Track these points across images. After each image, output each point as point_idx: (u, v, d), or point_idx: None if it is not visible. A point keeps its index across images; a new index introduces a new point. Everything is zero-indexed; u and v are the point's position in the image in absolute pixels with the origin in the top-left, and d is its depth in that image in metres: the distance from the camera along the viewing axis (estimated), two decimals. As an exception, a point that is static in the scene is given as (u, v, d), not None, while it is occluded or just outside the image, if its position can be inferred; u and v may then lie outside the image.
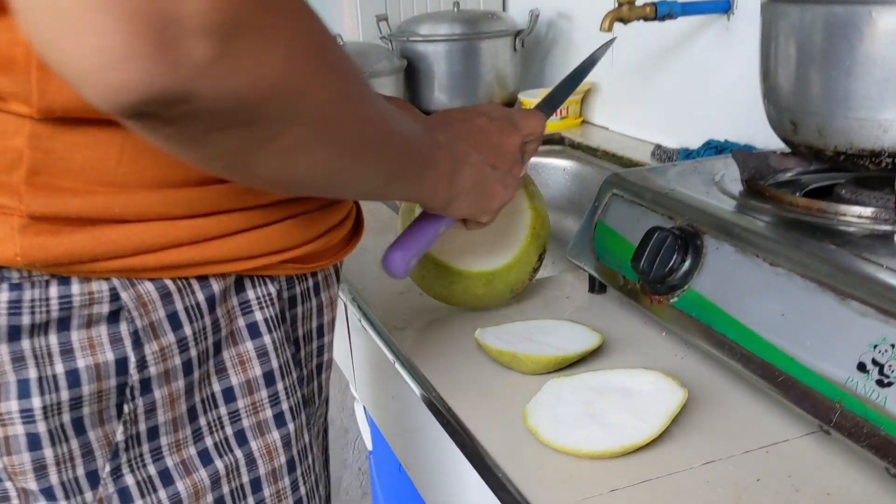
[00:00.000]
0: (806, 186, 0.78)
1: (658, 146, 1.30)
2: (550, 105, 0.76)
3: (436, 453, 0.67)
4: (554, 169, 1.43)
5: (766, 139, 0.96)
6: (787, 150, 0.79)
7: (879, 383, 0.52)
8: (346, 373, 0.95)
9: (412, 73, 1.58)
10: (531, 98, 1.53)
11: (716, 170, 0.83)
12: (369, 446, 1.47)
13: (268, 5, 0.35)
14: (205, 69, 0.33)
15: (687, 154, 1.22)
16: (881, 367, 0.52)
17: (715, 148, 1.17)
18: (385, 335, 0.77)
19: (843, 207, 0.67)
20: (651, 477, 0.55)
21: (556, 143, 1.47)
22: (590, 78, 0.89)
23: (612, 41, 0.84)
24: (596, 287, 0.84)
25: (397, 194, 0.57)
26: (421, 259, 0.78)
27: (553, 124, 1.51)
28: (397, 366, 0.72)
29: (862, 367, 0.53)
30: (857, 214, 0.66)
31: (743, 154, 0.77)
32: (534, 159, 1.42)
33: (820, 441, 0.58)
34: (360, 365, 0.88)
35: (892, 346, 0.52)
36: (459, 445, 0.61)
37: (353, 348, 0.89)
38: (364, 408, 1.08)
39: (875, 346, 0.53)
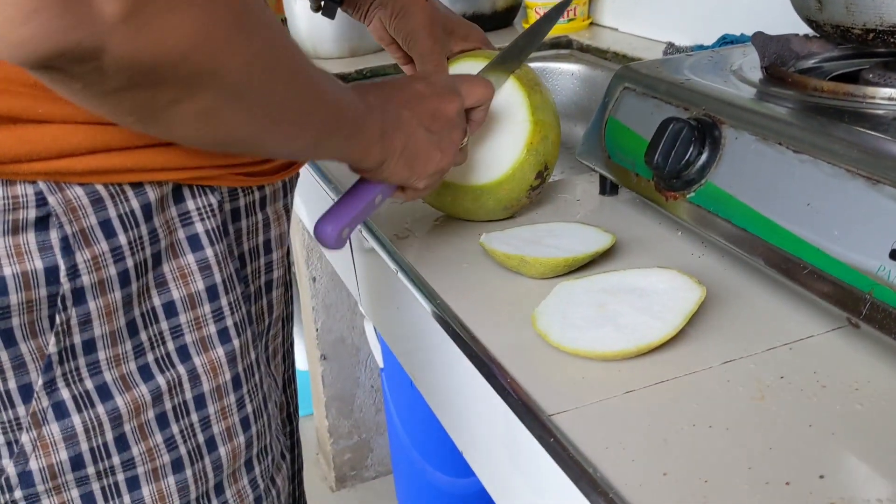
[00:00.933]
0: (829, 73, 0.73)
1: (670, 44, 1.24)
2: (501, 68, 0.72)
3: (443, 364, 0.64)
4: (562, 74, 1.37)
5: (786, 31, 0.91)
6: (811, 33, 0.74)
7: (914, 271, 0.48)
8: (352, 289, 0.92)
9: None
10: (540, -1, 1.45)
11: (733, 59, 0.78)
12: (380, 364, 1.46)
13: None
14: (114, 26, 0.33)
15: (701, 50, 1.16)
16: (916, 253, 0.48)
17: (731, 43, 1.11)
18: (387, 244, 0.74)
19: (873, 90, 0.62)
20: (668, 377, 0.52)
21: (564, 46, 1.41)
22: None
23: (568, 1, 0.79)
24: (608, 188, 0.80)
25: (328, 155, 0.55)
26: None
27: (560, 27, 1.44)
28: (400, 275, 0.69)
29: (894, 254, 0.49)
30: (888, 97, 0.61)
31: (763, 38, 0.72)
32: (541, 64, 1.37)
33: (847, 336, 0.55)
34: (363, 279, 0.85)
35: (929, 230, 0.48)
36: (466, 353, 0.58)
37: (356, 262, 0.86)
38: (374, 326, 1.06)
39: (909, 232, 0.49)
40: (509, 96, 0.72)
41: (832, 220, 0.54)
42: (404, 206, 0.80)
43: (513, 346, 0.57)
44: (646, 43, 1.33)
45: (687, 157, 0.64)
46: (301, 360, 1.71)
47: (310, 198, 1.00)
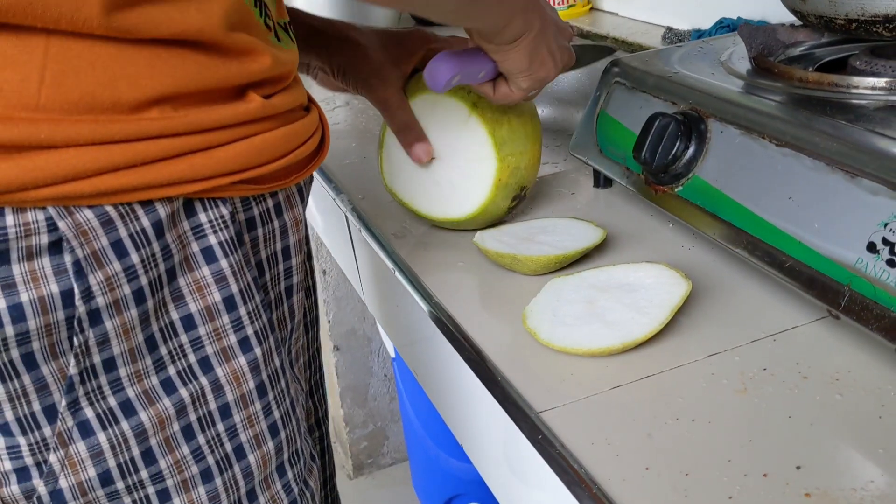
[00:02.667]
0: (819, 60, 0.73)
1: (669, 29, 1.24)
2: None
3: (440, 360, 0.66)
4: (562, 61, 1.37)
5: (783, 14, 0.91)
6: (798, 22, 0.75)
7: (890, 263, 0.49)
8: (355, 284, 0.94)
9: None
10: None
11: (723, 49, 0.78)
12: (392, 353, 1.48)
13: None
14: None
15: (699, 35, 1.17)
16: (892, 245, 0.49)
17: (728, 27, 1.11)
18: (384, 243, 0.75)
19: (857, 80, 0.63)
20: (654, 371, 0.54)
21: (564, 33, 1.41)
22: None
23: None
24: (601, 182, 0.81)
25: (477, 15, 0.57)
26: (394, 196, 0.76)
27: (561, 13, 1.44)
28: (397, 274, 0.71)
29: (872, 247, 0.50)
30: (871, 86, 0.62)
31: (749, 29, 0.72)
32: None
33: (829, 326, 0.56)
34: (365, 276, 0.87)
35: (904, 223, 0.49)
36: (458, 351, 0.60)
37: (357, 259, 0.87)
38: (377, 320, 1.08)
39: (885, 225, 0.50)
40: (472, 134, 0.70)
41: (813, 213, 0.55)
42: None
43: (504, 344, 0.59)
44: (645, 27, 1.33)
45: (674, 151, 0.65)
46: (315, 351, 1.74)
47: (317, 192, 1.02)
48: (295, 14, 0.74)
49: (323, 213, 1.00)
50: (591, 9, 1.49)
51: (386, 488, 1.75)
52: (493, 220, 0.74)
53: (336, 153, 0.98)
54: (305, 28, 0.74)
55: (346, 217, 0.84)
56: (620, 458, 0.47)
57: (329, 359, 1.68)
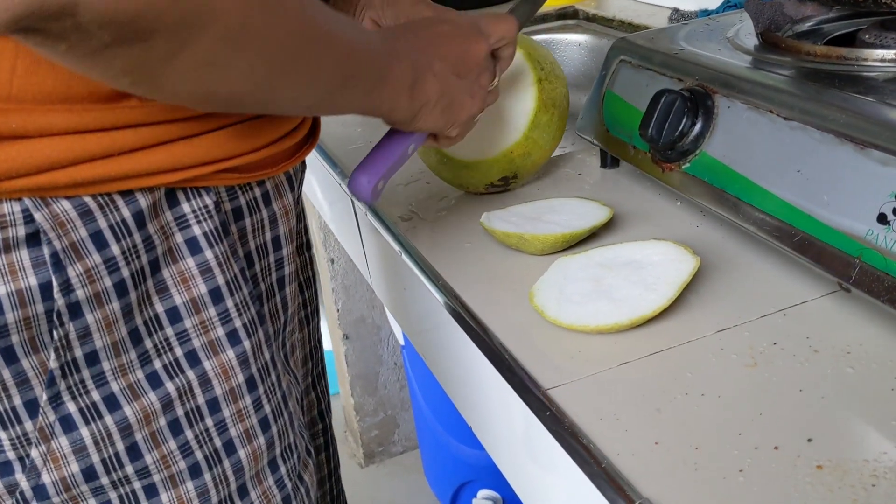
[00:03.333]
0: (827, 35, 0.73)
1: (675, 10, 1.23)
2: (527, 6, 0.69)
3: (449, 343, 0.66)
4: (569, 45, 1.37)
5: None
6: (806, -4, 0.74)
7: (901, 234, 0.48)
8: (363, 270, 0.94)
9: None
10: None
11: (730, 26, 0.78)
12: (401, 341, 1.48)
13: None
14: None
15: (706, 15, 1.15)
16: (902, 216, 0.49)
17: (735, 5, 1.10)
18: (391, 226, 0.75)
19: (866, 52, 0.62)
20: (662, 348, 0.54)
21: (570, 17, 1.41)
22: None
23: None
24: (608, 161, 0.81)
25: (352, 108, 0.52)
26: None
27: (565, -2, 1.43)
28: (404, 256, 0.71)
29: (882, 218, 0.50)
30: (880, 58, 0.61)
31: (756, 4, 0.71)
32: (548, 36, 1.36)
33: (840, 300, 0.56)
34: (372, 261, 0.87)
35: (915, 193, 0.48)
36: (467, 331, 0.59)
37: (364, 245, 0.87)
38: (385, 306, 1.08)
39: (896, 195, 0.49)
40: (522, 98, 0.73)
41: (822, 186, 0.54)
42: (408, 189, 0.82)
43: (512, 323, 0.58)
44: (651, 9, 1.32)
45: (681, 128, 0.65)
46: (324, 341, 1.74)
47: (322, 178, 1.02)
48: None
49: (329, 201, 0.99)
50: (597, -8, 1.48)
51: (397, 476, 1.76)
52: (528, 163, 0.75)
53: (342, 138, 0.98)
54: None
55: (353, 202, 0.84)
56: (629, 434, 0.47)
57: (339, 347, 1.68)
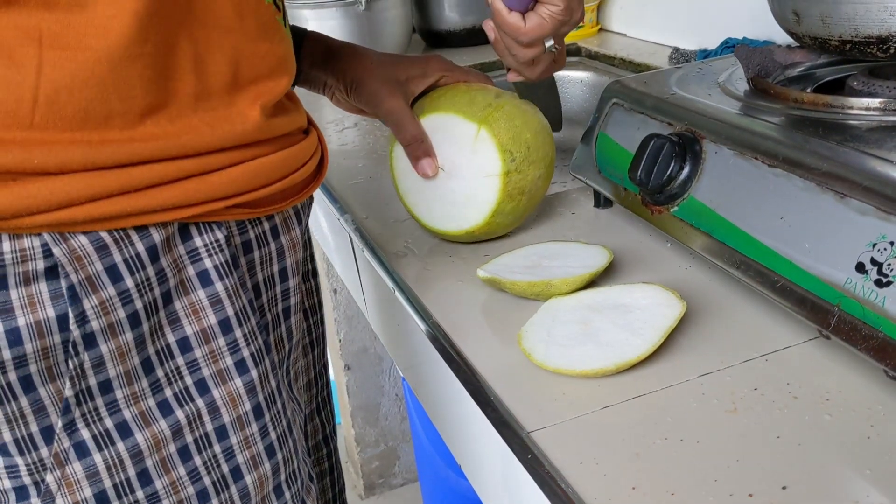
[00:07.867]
0: (818, 81, 0.74)
1: (675, 49, 1.25)
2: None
3: (438, 379, 0.66)
4: (571, 81, 1.39)
5: (787, 35, 0.91)
6: (795, 44, 0.75)
7: (878, 283, 0.49)
8: (360, 304, 0.95)
9: (421, -7, 1.54)
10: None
11: (722, 70, 0.79)
12: (402, 373, 1.49)
13: None
14: None
15: (705, 55, 1.17)
16: (880, 266, 0.49)
17: (733, 47, 1.12)
18: (385, 262, 0.76)
19: (852, 100, 0.63)
20: (645, 391, 0.54)
21: (573, 54, 1.43)
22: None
23: None
24: (601, 202, 0.82)
25: None
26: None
27: (570, 35, 1.45)
28: (397, 293, 0.72)
29: (860, 267, 0.50)
30: (865, 107, 0.62)
31: (746, 50, 0.73)
32: (550, 73, 1.38)
33: (820, 346, 0.56)
34: (369, 295, 0.88)
35: (892, 243, 0.49)
36: (454, 371, 0.60)
37: (362, 279, 0.88)
38: (381, 340, 1.09)
39: (874, 245, 0.50)
40: (482, 151, 0.71)
41: (804, 233, 0.55)
42: (404, 225, 0.83)
43: (500, 365, 0.59)
44: (652, 48, 1.34)
45: (669, 172, 0.66)
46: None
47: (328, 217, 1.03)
48: (314, 36, 0.76)
49: (331, 233, 1.01)
50: (600, 29, 1.50)
51: (398, 508, 1.75)
52: (491, 236, 0.76)
53: (344, 173, 0.99)
54: (323, 48, 0.76)
55: (350, 237, 0.86)
56: (608, 478, 0.47)
57: (341, 378, 1.69)
